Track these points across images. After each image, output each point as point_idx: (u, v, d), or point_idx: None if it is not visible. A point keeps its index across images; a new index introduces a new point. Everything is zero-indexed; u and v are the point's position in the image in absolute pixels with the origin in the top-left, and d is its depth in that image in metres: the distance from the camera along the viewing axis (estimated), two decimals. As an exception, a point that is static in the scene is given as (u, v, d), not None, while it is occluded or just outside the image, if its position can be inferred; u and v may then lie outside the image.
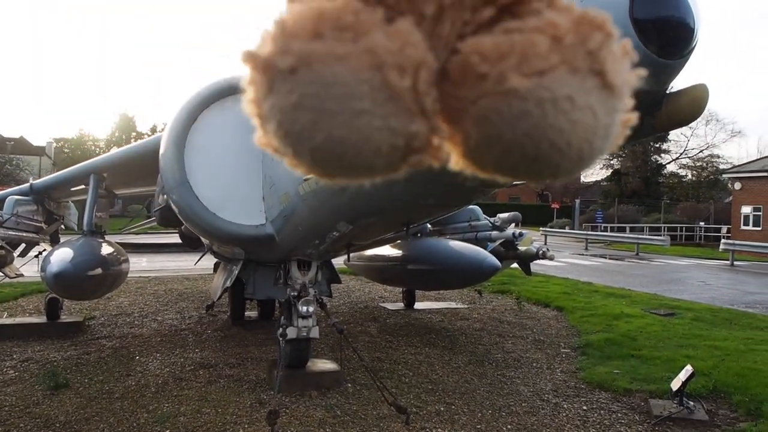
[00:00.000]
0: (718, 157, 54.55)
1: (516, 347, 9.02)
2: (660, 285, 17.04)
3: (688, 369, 6.39)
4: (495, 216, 9.93)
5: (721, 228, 38.15)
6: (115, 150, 12.31)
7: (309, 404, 6.28)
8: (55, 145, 62.70)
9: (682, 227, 40.42)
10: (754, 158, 39.07)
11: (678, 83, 2.98)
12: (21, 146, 57.76)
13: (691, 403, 6.42)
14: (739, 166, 36.89)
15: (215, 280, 9.88)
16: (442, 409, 6.33)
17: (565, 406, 6.59)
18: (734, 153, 77.46)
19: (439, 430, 5.79)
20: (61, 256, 7.26)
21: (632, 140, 3.31)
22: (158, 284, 14.65)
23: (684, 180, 56.24)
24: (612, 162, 57.25)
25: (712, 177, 52.96)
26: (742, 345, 9.17)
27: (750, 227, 32.20)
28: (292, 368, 6.70)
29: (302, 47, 0.60)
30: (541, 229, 37.20)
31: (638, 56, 2.23)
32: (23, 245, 9.91)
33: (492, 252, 9.32)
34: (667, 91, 2.85)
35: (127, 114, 64.47)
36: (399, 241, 9.24)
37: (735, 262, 24.78)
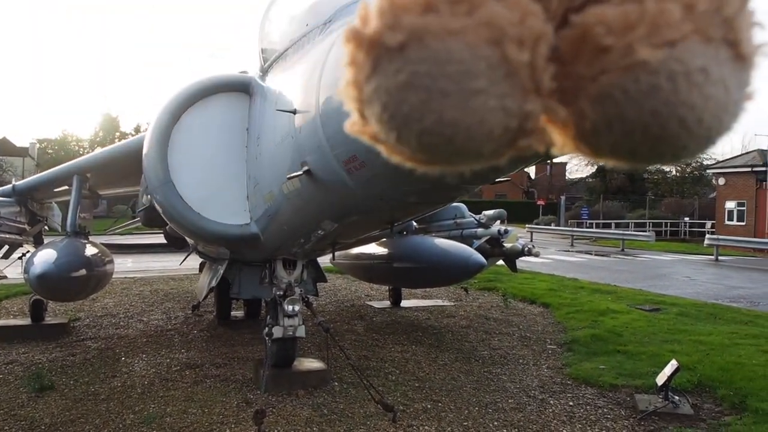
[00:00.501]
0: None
1: (502, 344, 9.06)
2: (645, 280, 17.19)
3: (673, 364, 6.45)
4: (480, 213, 9.96)
5: (705, 223, 38.55)
6: (98, 150, 12.19)
7: (296, 403, 6.27)
8: (38, 145, 61.96)
9: (667, 223, 40.82)
10: (738, 154, 39.49)
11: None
12: (3, 147, 57.03)
13: (677, 397, 6.48)
14: (722, 161, 37.25)
15: (201, 280, 9.82)
16: (429, 406, 6.35)
17: (551, 402, 6.63)
18: (718, 149, 78.10)
19: (426, 427, 5.80)
20: (45, 257, 7.20)
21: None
22: (144, 285, 14.54)
23: (668, 176, 56.78)
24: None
25: (696, 173, 53.52)
26: (727, 339, 9.27)
27: (734, 222, 32.56)
28: (279, 367, 6.68)
29: (413, 22, 0.55)
30: (527, 225, 37.38)
31: None
32: (6, 247, 9.80)
33: (478, 249, 9.34)
34: None
35: (110, 114, 63.93)
36: (385, 239, 9.24)
37: (719, 257, 25.05)
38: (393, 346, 8.72)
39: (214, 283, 7.63)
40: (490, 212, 9.92)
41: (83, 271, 7.43)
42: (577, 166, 64.55)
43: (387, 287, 12.32)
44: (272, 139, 4.94)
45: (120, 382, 6.96)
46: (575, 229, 36.10)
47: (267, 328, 6.23)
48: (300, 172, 4.26)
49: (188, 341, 8.92)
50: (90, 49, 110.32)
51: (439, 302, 12.54)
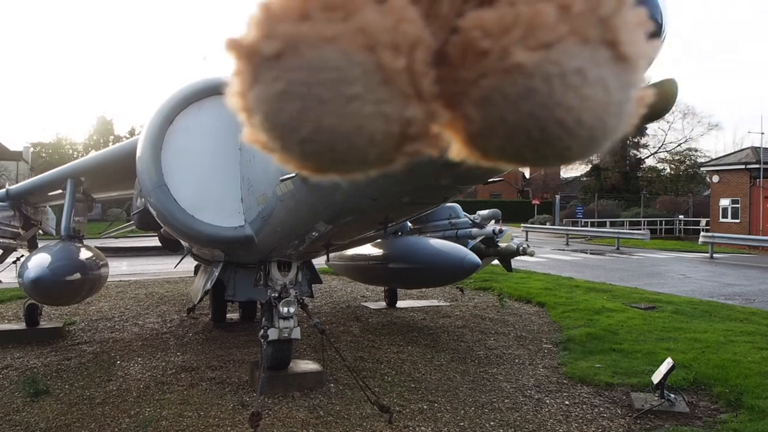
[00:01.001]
0: (696, 150, 55.34)
1: (498, 344, 9.07)
2: (640, 279, 17.24)
3: (668, 362, 6.47)
4: (475, 213, 9.97)
5: (700, 221, 38.71)
6: (92, 153, 12.16)
7: (292, 405, 6.26)
8: (32, 149, 61.70)
9: (662, 221, 40.92)
10: (731, 151, 39.66)
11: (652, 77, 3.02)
12: (-3, 151, 56.80)
13: (672, 395, 6.51)
14: (716, 159, 37.44)
15: (196, 283, 9.81)
16: (425, 407, 6.35)
17: (547, 401, 6.64)
18: (711, 146, 78.85)
19: (422, 428, 5.81)
20: (39, 261, 7.17)
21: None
22: (139, 288, 14.50)
23: (662, 174, 56.97)
24: (591, 157, 57.80)
25: (690, 170, 53.71)
26: (722, 337, 9.31)
27: (729, 219, 32.72)
28: (275, 369, 6.68)
29: (288, 30, 0.55)
30: (521, 225, 37.45)
31: None
32: (0, 251, 9.76)
33: (473, 249, 9.35)
34: None
35: (105, 117, 63.74)
36: (380, 240, 9.24)
37: (714, 255, 25.14)
38: (389, 347, 8.72)
39: (209, 286, 7.61)
40: (485, 212, 9.93)
41: (78, 275, 7.41)
42: (572, 165, 64.60)
43: (382, 288, 12.32)
44: (265, 141, 4.93)
45: (115, 385, 6.94)
46: (570, 228, 36.22)
47: (262, 330, 6.23)
48: (293, 174, 4.26)
49: (184, 344, 8.90)
50: (84, 52, 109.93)
51: (435, 302, 12.54)
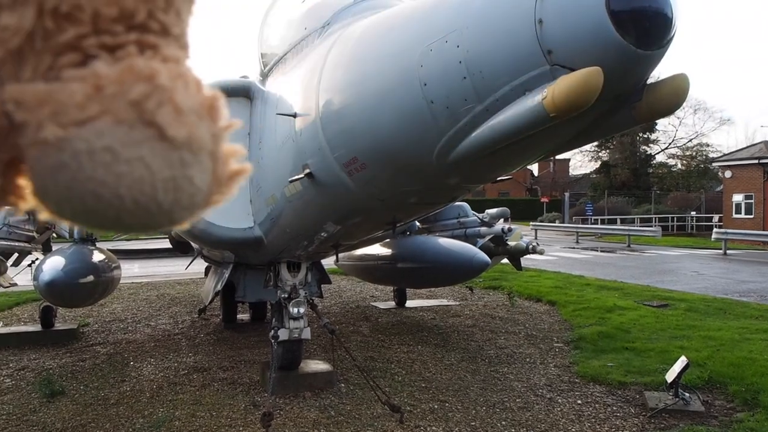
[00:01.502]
0: (707, 145, 54.85)
1: (509, 343, 9.05)
2: (652, 276, 17.12)
3: (682, 360, 6.41)
4: (484, 212, 9.95)
5: (712, 217, 38.34)
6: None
7: (303, 405, 6.28)
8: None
9: (674, 217, 40.58)
10: (744, 146, 39.29)
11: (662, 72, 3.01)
12: (10, 154, 57.48)
13: (687, 394, 6.45)
14: (728, 154, 37.09)
15: (206, 284, 9.86)
16: (435, 406, 6.35)
17: (559, 400, 6.61)
18: (723, 141, 78.06)
19: (433, 428, 5.80)
20: (53, 264, 7.26)
21: (616, 132, 3.33)
22: (151, 289, 14.60)
23: (673, 170, 56.47)
24: (600, 154, 57.48)
25: (701, 166, 53.19)
26: (737, 334, 9.21)
27: (742, 215, 32.38)
28: (285, 370, 6.70)
29: None
30: (531, 223, 37.30)
31: (616, 48, 2.24)
32: (16, 255, 9.88)
33: (481, 248, 9.32)
34: (647, 82, 2.86)
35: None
36: (388, 240, 9.24)
37: (728, 251, 24.91)
38: (399, 347, 8.72)
39: (219, 287, 7.65)
40: (494, 211, 9.90)
41: (91, 278, 7.49)
42: (581, 162, 64.35)
43: (392, 288, 12.32)
44: (273, 142, 4.95)
45: (129, 386, 7.00)
46: (580, 225, 36.04)
47: (273, 331, 6.25)
48: (301, 175, 4.28)
49: (195, 345, 8.95)
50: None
51: (444, 302, 12.53)
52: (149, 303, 12.69)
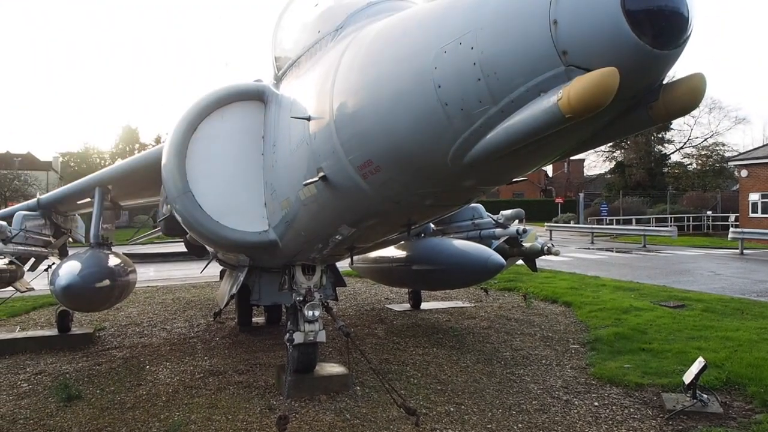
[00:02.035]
0: (723, 145, 54.25)
1: (524, 344, 8.99)
2: (669, 276, 16.96)
3: (700, 361, 6.35)
4: (498, 213, 9.91)
5: (729, 216, 37.91)
6: (119, 162, 12.36)
7: (318, 408, 6.28)
8: (61, 159, 63.15)
9: (689, 217, 40.19)
10: (760, 144, 38.77)
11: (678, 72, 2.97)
12: (28, 162, 58.24)
13: (705, 396, 6.38)
14: (744, 153, 36.63)
15: (221, 288, 9.90)
16: (451, 409, 6.32)
17: (576, 402, 6.56)
18: (739, 140, 77.08)
19: (450, 430, 5.77)
20: (69, 269, 7.31)
21: (632, 132, 3.30)
22: (166, 293, 14.70)
23: (689, 169, 55.92)
24: (615, 154, 57.05)
25: (717, 165, 52.62)
26: (755, 335, 9.10)
27: (759, 214, 31.95)
28: (301, 373, 6.71)
29: None
30: (545, 224, 37.16)
31: (632, 48, 2.23)
32: (33, 259, 9.98)
33: (496, 249, 9.28)
34: (663, 82, 2.83)
35: (130, 126, 65.03)
36: (403, 242, 9.23)
37: (744, 251, 24.64)
38: (414, 349, 8.70)
39: (234, 290, 7.68)
40: (508, 212, 9.86)
41: (107, 282, 7.53)
42: (595, 162, 63.88)
43: (406, 290, 12.31)
44: (288, 146, 4.97)
45: (145, 390, 7.04)
46: (595, 226, 35.78)
47: (288, 334, 6.26)
48: (316, 178, 4.28)
49: (211, 348, 8.99)
50: (109, 63, 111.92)
51: (459, 304, 12.49)
52: (165, 307, 12.77)
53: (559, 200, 48.82)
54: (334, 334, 8.15)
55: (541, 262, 11.74)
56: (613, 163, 57.68)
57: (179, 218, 5.89)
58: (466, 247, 9.13)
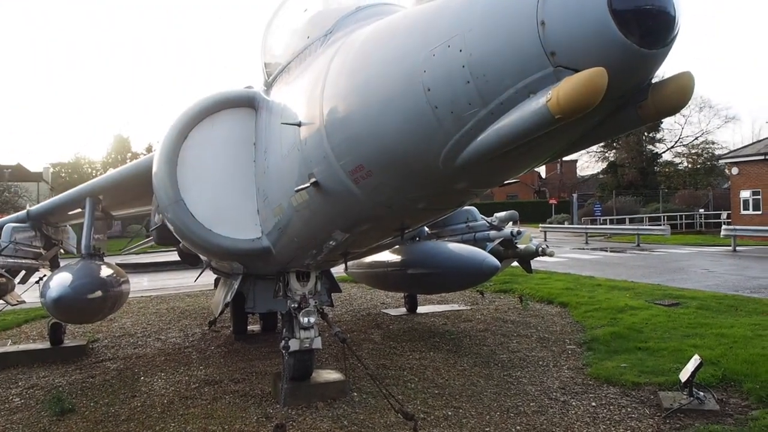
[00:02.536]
0: (713, 143, 54.66)
1: (521, 346, 8.98)
2: (663, 275, 17.01)
3: (696, 359, 6.36)
4: (492, 215, 9.91)
5: (721, 214, 38.12)
6: (110, 171, 12.29)
7: (316, 416, 6.24)
8: (51, 170, 62.81)
9: (682, 215, 40.38)
10: (750, 142, 39.03)
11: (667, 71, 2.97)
12: (18, 173, 57.87)
13: (702, 393, 6.38)
14: (735, 150, 36.84)
15: (216, 296, 9.85)
16: (449, 413, 6.29)
17: (573, 403, 6.55)
18: (729, 138, 77.23)
19: (448, 434, 5.74)
20: (60, 280, 7.24)
21: (622, 132, 3.30)
22: (160, 303, 14.62)
23: (680, 168, 56.26)
24: (607, 154, 57.34)
25: (708, 163, 52.97)
26: (750, 331, 9.13)
27: (750, 211, 32.13)
28: (297, 380, 6.67)
29: None
30: (540, 225, 37.24)
31: (619, 47, 2.22)
32: (23, 272, 9.88)
33: (491, 252, 9.29)
34: (652, 81, 2.83)
35: (121, 135, 64.76)
36: (398, 246, 9.22)
37: (737, 248, 24.75)
38: (411, 354, 8.68)
39: (229, 299, 7.63)
40: (502, 214, 9.87)
41: (99, 293, 7.46)
42: (588, 163, 64.20)
43: (402, 294, 12.28)
44: (279, 152, 4.94)
45: (140, 402, 6.98)
46: (589, 226, 35.89)
47: (283, 341, 6.22)
48: (307, 184, 4.26)
49: (206, 358, 8.93)
50: (100, 70, 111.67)
51: (456, 307, 12.48)
52: (159, 316, 12.70)
53: (552, 201, 48.95)
54: (330, 340, 8.12)
55: (536, 263, 11.74)
56: (606, 163, 57.97)
57: (171, 227, 5.85)
58: (460, 250, 9.13)
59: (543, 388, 7.06)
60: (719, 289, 13.96)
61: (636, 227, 32.82)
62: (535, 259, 10.24)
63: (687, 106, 3.00)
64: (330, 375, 7.13)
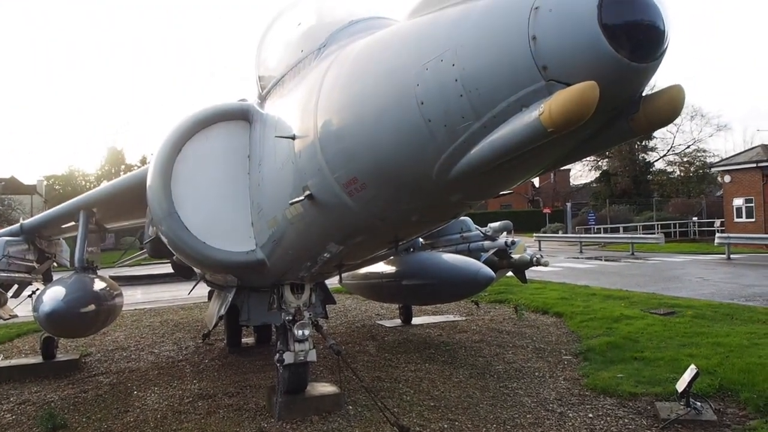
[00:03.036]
0: (705, 151, 55.09)
1: (517, 357, 8.96)
2: (658, 283, 17.04)
3: (692, 368, 6.34)
4: (486, 225, 9.92)
5: (714, 222, 38.31)
6: (104, 184, 12.25)
7: (311, 429, 6.18)
8: (45, 182, 62.58)
9: (675, 224, 40.59)
10: (741, 150, 39.33)
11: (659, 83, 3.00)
12: (12, 186, 57.63)
13: (699, 403, 6.36)
14: (727, 158, 37.12)
15: (210, 309, 9.79)
16: (445, 426, 6.25)
17: (570, 414, 6.52)
18: (721, 146, 78.07)
19: (444, 447, 5.71)
20: (53, 294, 7.18)
21: (614, 144, 3.31)
22: (154, 316, 14.52)
23: (672, 176, 56.58)
24: (600, 163, 57.62)
25: (700, 171, 53.31)
26: (745, 340, 9.13)
27: (743, 219, 32.36)
28: (292, 394, 6.61)
29: None
30: (534, 235, 37.30)
31: (610, 61, 2.24)
32: (16, 286, 9.82)
33: (485, 262, 9.29)
34: (643, 94, 2.86)
35: (115, 147, 64.63)
36: (392, 258, 9.21)
37: (731, 255, 24.84)
38: (406, 366, 8.64)
39: (223, 311, 7.59)
40: (496, 224, 9.88)
41: (92, 306, 7.42)
42: (581, 172, 64.45)
43: (397, 305, 12.25)
44: (273, 164, 4.94)
45: (133, 416, 6.91)
46: (583, 235, 36.01)
47: (278, 354, 6.18)
48: (302, 197, 4.26)
49: (200, 371, 8.86)
50: (93, 82, 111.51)
51: (451, 317, 12.44)
52: (152, 330, 12.61)
53: (546, 210, 49.09)
54: (325, 352, 8.06)
55: (531, 273, 11.75)
56: (599, 172, 58.24)
57: (165, 240, 5.83)
58: (455, 260, 9.12)
59: (539, 399, 7.03)
60: (714, 297, 13.98)
61: (630, 236, 32.94)
62: (530, 269, 10.25)
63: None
64: (325, 388, 7.08)
